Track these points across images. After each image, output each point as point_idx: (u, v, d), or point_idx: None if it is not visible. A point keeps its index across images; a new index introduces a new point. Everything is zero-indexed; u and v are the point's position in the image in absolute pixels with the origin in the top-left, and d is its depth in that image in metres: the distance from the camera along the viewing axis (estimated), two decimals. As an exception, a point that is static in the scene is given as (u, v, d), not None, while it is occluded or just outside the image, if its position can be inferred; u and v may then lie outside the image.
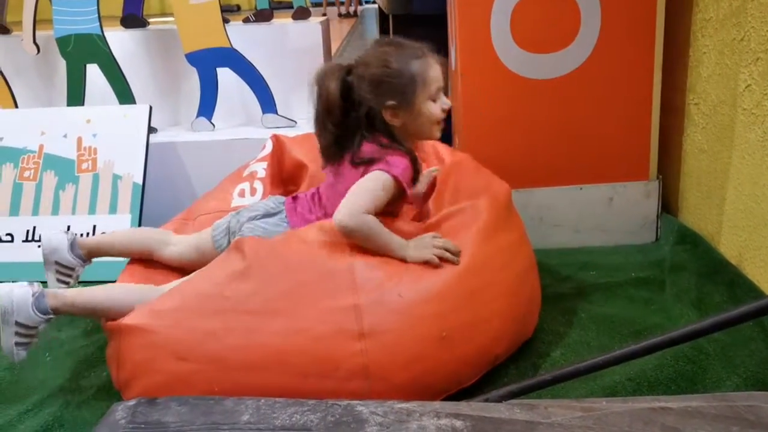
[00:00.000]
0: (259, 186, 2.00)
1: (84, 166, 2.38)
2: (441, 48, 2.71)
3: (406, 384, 1.36)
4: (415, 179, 1.57)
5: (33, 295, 1.45)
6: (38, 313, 1.44)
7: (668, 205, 2.26)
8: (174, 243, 1.73)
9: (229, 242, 1.63)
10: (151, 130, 2.44)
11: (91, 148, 2.40)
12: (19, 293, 1.44)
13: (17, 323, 1.43)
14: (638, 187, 2.17)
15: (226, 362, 1.35)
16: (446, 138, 2.29)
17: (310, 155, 2.03)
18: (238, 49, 2.66)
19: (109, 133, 2.42)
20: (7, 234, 2.31)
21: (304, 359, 1.33)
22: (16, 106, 2.74)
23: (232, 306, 1.39)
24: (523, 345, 1.62)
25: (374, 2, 15.53)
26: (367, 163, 1.50)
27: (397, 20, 3.07)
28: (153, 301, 1.43)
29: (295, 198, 1.70)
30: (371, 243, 1.45)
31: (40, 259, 2.24)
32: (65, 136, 2.42)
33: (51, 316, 1.46)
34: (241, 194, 1.98)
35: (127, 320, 1.42)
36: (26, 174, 2.38)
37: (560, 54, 2.07)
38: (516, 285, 1.59)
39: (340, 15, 12.29)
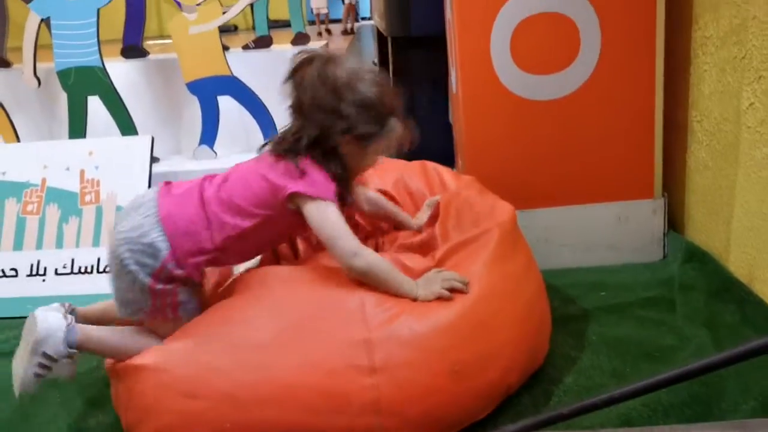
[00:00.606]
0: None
1: (87, 198, 2.38)
2: (440, 70, 2.75)
3: (419, 418, 1.34)
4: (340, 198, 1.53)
5: (66, 327, 1.43)
6: (67, 347, 1.43)
7: (675, 222, 2.25)
8: None
9: (124, 266, 1.46)
10: (153, 159, 2.44)
11: (93, 180, 2.40)
12: (54, 323, 1.43)
13: (44, 354, 1.41)
14: (644, 205, 2.17)
15: (237, 399, 1.33)
16: (449, 160, 2.30)
17: None
18: (239, 76, 2.67)
19: (112, 164, 2.42)
20: (12, 269, 2.30)
21: (315, 395, 1.32)
22: (18, 140, 2.75)
23: (242, 341, 1.38)
24: (535, 371, 1.61)
25: (371, 19, 15.67)
26: (298, 169, 1.44)
27: (396, 42, 3.07)
28: (166, 339, 1.42)
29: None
30: (382, 281, 1.43)
31: (45, 293, 2.25)
32: (68, 168, 2.42)
33: (75, 351, 1.45)
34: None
35: (134, 360, 1.41)
36: (29, 208, 2.38)
37: (561, 75, 2.07)
38: (526, 312, 1.57)
39: (343, 32, 12.36)
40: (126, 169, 2.41)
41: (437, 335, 1.38)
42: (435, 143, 3.00)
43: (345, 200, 1.53)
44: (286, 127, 1.52)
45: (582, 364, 1.65)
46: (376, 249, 1.93)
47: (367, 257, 1.43)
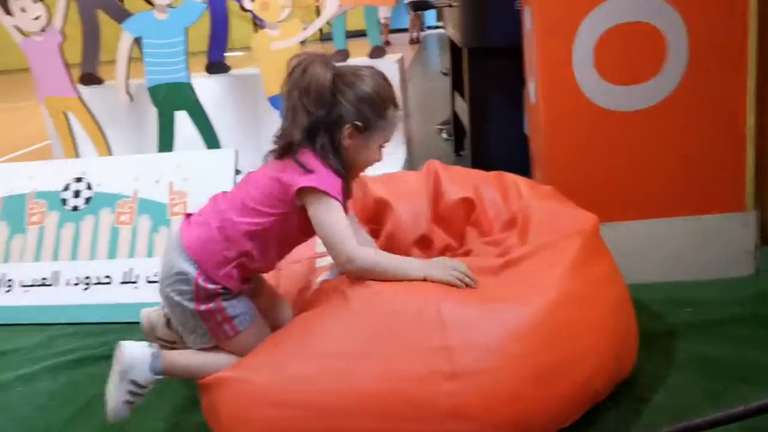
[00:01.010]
0: None
1: (176, 209, 2.48)
2: (516, 81, 2.74)
3: (504, 425, 1.34)
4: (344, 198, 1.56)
5: (151, 355, 1.52)
6: (153, 373, 1.52)
7: (766, 235, 2.17)
8: None
9: (171, 301, 1.55)
10: (236, 172, 2.52)
11: (181, 192, 2.50)
12: (140, 352, 1.52)
13: (132, 381, 1.50)
14: (734, 219, 2.09)
15: (322, 407, 1.37)
16: (524, 172, 2.28)
17: (393, 193, 2.04)
18: (318, 90, 2.72)
19: (198, 177, 2.51)
20: (106, 276, 2.42)
21: (398, 401, 1.33)
22: (111, 153, 2.89)
23: (323, 350, 1.41)
24: (622, 388, 1.57)
25: (437, 28, 15.70)
26: (308, 171, 1.47)
27: (471, 53, 3.08)
28: (253, 351, 1.47)
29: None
30: (390, 275, 1.48)
31: (137, 299, 2.35)
32: (157, 181, 2.52)
33: (161, 377, 1.54)
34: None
35: (222, 373, 1.47)
36: (122, 218, 2.49)
37: (646, 85, 2.03)
38: (610, 319, 1.55)
39: (411, 41, 12.42)
40: (211, 181, 2.49)
41: (518, 340, 1.38)
42: (510, 154, 3.00)
43: (346, 198, 1.56)
44: (281, 128, 1.54)
45: (672, 382, 1.61)
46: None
47: (362, 261, 1.47)
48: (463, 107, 3.62)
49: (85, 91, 2.93)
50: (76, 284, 2.41)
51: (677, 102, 2.03)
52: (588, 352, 1.45)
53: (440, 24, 15.24)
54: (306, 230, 1.54)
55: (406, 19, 13.33)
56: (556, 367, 1.39)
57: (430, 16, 15.54)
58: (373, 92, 1.50)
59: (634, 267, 2.13)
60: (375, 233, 2.02)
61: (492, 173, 2.05)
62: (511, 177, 2.01)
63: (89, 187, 2.52)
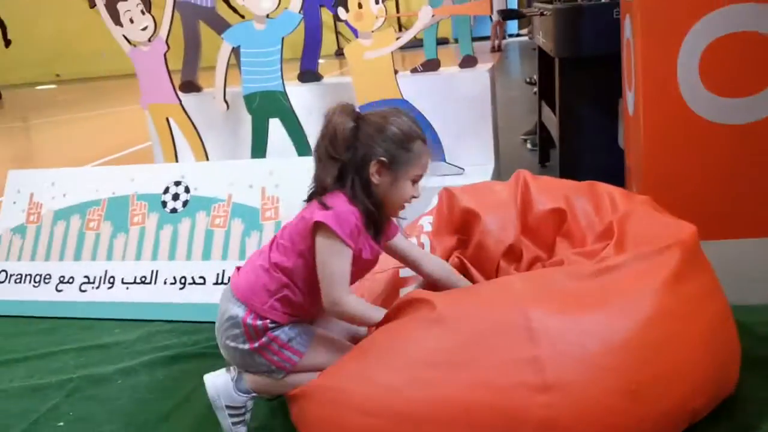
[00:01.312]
0: (425, 240, 2.02)
1: (267, 214, 2.54)
2: (610, 91, 2.67)
3: (596, 439, 1.30)
4: (376, 235, 1.60)
5: (232, 380, 1.61)
6: (240, 393, 1.61)
7: None
8: None
9: (228, 348, 1.63)
10: (327, 179, 2.56)
11: (273, 197, 2.56)
12: (221, 380, 1.62)
13: (227, 406, 1.60)
14: None
15: (411, 417, 1.36)
16: (617, 184, 2.21)
17: (481, 204, 2.02)
18: (407, 99, 2.74)
19: (290, 183, 2.56)
20: (200, 277, 2.50)
21: (488, 413, 1.32)
22: (207, 158, 2.99)
23: (413, 360, 1.41)
24: (726, 414, 1.50)
25: (518, 36, 15.51)
26: (327, 208, 1.52)
27: (564, 62, 3.02)
28: (336, 362, 1.49)
29: (239, 267, 1.72)
30: (358, 322, 1.58)
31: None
32: (251, 186, 2.59)
33: (253, 394, 1.62)
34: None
35: (312, 382, 1.50)
36: (217, 221, 2.58)
37: (756, 97, 1.94)
38: (709, 334, 1.48)
39: (492, 50, 12.34)
40: (302, 187, 2.52)
41: (611, 354, 1.34)
42: (601, 167, 2.93)
43: (378, 235, 1.60)
44: (313, 177, 1.60)
45: (782, 411, 1.52)
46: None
47: (345, 307, 1.53)
48: (551, 117, 3.56)
49: (185, 98, 3.05)
50: (173, 283, 2.51)
51: (790, 115, 1.92)
52: (686, 369, 1.39)
53: (522, 32, 15.07)
54: None
55: (486, 28, 13.24)
56: (653, 383, 1.34)
57: (511, 23, 15.37)
58: (396, 128, 1.54)
59: (737, 287, 2.02)
60: (463, 244, 2.01)
61: (584, 183, 2.01)
62: (603, 187, 1.95)
63: (187, 191, 2.62)
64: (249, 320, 1.58)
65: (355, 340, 1.73)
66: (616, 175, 2.52)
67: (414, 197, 1.61)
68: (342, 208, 1.52)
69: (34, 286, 2.65)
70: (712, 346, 1.48)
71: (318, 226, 1.52)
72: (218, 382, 1.62)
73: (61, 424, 1.85)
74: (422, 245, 2.01)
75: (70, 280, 2.62)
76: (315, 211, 1.54)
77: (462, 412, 1.33)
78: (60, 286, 2.62)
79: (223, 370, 1.64)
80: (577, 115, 3.06)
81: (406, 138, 1.55)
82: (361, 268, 1.62)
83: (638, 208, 1.79)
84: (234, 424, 1.62)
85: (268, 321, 1.57)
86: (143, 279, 2.54)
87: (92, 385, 2.03)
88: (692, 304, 1.48)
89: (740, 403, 1.55)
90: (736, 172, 2.00)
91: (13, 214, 2.79)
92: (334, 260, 1.52)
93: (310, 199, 1.60)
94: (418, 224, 2.07)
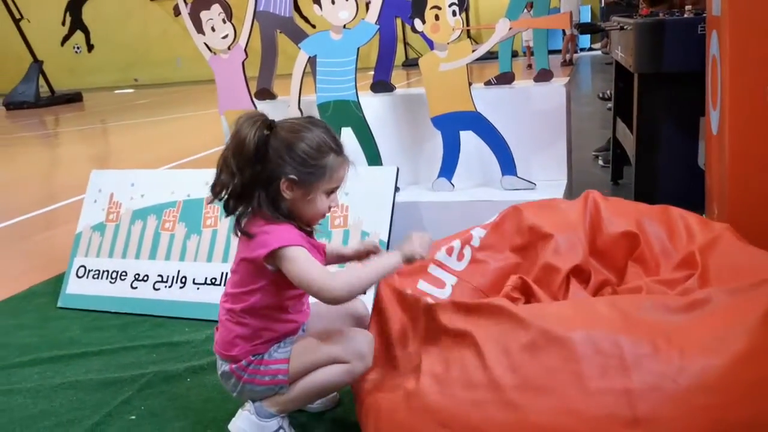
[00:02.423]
0: (467, 252, 1.98)
1: (336, 222, 2.56)
2: (691, 109, 2.58)
3: (684, 481, 1.25)
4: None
5: (253, 413, 1.62)
6: (266, 420, 1.62)
7: None
8: None
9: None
10: (396, 189, 2.56)
11: (343, 205, 2.57)
12: (244, 422, 1.63)
13: None
14: None
15: (491, 436, 1.34)
16: (695, 206, 2.13)
17: (548, 222, 1.95)
18: (481, 111, 2.72)
19: (360, 192, 2.57)
20: (269, 281, 2.54)
21: (572, 442, 1.28)
22: (279, 164, 3.04)
23: (499, 379, 1.38)
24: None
25: (591, 50, 15.23)
26: (251, 237, 1.52)
27: (643, 78, 2.94)
28: (422, 367, 1.47)
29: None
30: (368, 286, 1.53)
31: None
32: (321, 193, 2.62)
33: (277, 412, 1.62)
34: (449, 252, 1.97)
35: (390, 381, 1.48)
36: (287, 227, 2.62)
37: None
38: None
39: (563, 63, 12.18)
40: (372, 197, 2.55)
41: (704, 391, 1.29)
42: (679, 187, 2.85)
43: (311, 236, 1.60)
44: (216, 184, 1.55)
45: None
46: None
47: (337, 288, 1.49)
48: (626, 134, 3.47)
49: (260, 105, 3.11)
50: (242, 286, 2.56)
51: None
52: None
53: (595, 46, 14.80)
54: (293, 286, 1.58)
55: (557, 41, 13.06)
56: (744, 425, 1.28)
57: (583, 37, 15.11)
58: (307, 144, 1.51)
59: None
60: (530, 259, 1.95)
61: (657, 207, 1.94)
62: (678, 212, 1.88)
63: (259, 196, 2.66)
64: (234, 367, 1.63)
65: (357, 320, 1.77)
66: (694, 196, 2.44)
67: (332, 207, 1.60)
68: (271, 231, 1.52)
69: (110, 282, 2.75)
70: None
71: (270, 256, 1.51)
72: (242, 424, 1.63)
73: (133, 417, 1.90)
74: (462, 256, 1.97)
75: (145, 278, 2.70)
76: (252, 247, 1.53)
77: (542, 437, 1.30)
78: (135, 284, 2.71)
79: (239, 411, 1.66)
80: (655, 132, 2.97)
81: (317, 154, 1.51)
82: None
83: (720, 238, 1.72)
84: None
85: (251, 357, 1.62)
86: (213, 280, 2.60)
87: (163, 382, 2.09)
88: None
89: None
90: (830, 198, 1.90)
91: (94, 212, 2.91)
92: (304, 266, 1.51)
93: (228, 213, 1.57)
94: (468, 233, 2.02)
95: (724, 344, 1.34)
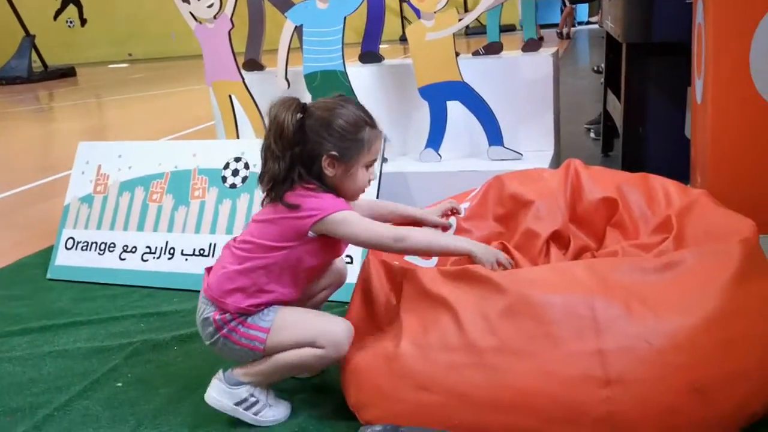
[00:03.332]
0: (453, 221, 1.98)
1: (323, 192, 2.57)
2: (679, 79, 2.58)
3: (657, 437, 1.28)
4: None
5: (221, 381, 1.64)
6: (233, 387, 1.63)
7: None
8: None
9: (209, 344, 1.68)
10: (383, 159, 2.57)
11: (330, 175, 2.59)
12: (215, 390, 1.65)
13: (234, 405, 1.63)
14: None
15: (468, 398, 1.37)
16: (681, 175, 2.14)
17: (530, 190, 1.96)
18: (468, 82, 2.72)
19: (347, 162, 2.59)
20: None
21: (549, 403, 1.31)
22: (267, 136, 3.04)
23: (477, 342, 1.41)
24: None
25: (588, 23, 15.11)
26: (295, 209, 1.54)
27: (632, 48, 2.93)
28: (402, 332, 1.49)
29: (209, 267, 1.72)
30: (435, 253, 1.69)
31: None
32: (309, 164, 2.63)
33: (247, 382, 1.63)
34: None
35: (373, 348, 1.50)
36: (274, 198, 2.62)
37: (835, 87, 1.85)
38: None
39: (560, 37, 12.11)
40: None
41: (676, 350, 1.32)
42: (666, 157, 2.85)
43: None
44: (261, 172, 1.60)
45: None
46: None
47: (409, 239, 1.57)
48: (616, 106, 3.47)
49: (248, 76, 3.10)
50: (229, 256, 2.57)
51: None
52: (749, 370, 1.36)
53: (592, 20, 14.68)
54: (318, 256, 1.63)
55: (555, 14, 12.95)
56: (716, 383, 1.32)
57: (582, 11, 14.99)
58: (343, 120, 1.55)
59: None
60: (512, 227, 1.96)
61: (637, 174, 1.95)
62: (657, 179, 1.90)
63: (246, 167, 2.67)
64: (218, 317, 1.62)
65: (337, 275, 1.82)
66: (680, 166, 2.45)
67: (371, 180, 1.64)
68: (322, 194, 1.57)
69: (99, 253, 2.77)
70: (775, 346, 1.43)
71: (320, 222, 1.54)
72: (214, 393, 1.65)
73: (120, 384, 1.93)
74: (449, 226, 1.99)
75: (133, 250, 2.72)
76: (300, 212, 1.55)
77: (522, 399, 1.34)
78: (123, 255, 2.73)
79: (212, 379, 1.67)
80: (643, 103, 2.97)
81: (354, 128, 1.56)
82: (341, 248, 1.70)
83: (697, 202, 1.74)
84: (255, 413, 1.64)
85: (235, 314, 1.61)
86: (202, 251, 2.61)
87: (150, 350, 2.11)
88: (757, 303, 1.44)
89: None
90: (809, 165, 1.91)
91: (82, 183, 2.91)
92: (365, 225, 1.57)
93: (272, 198, 1.59)
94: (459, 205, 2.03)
95: (695, 305, 1.37)
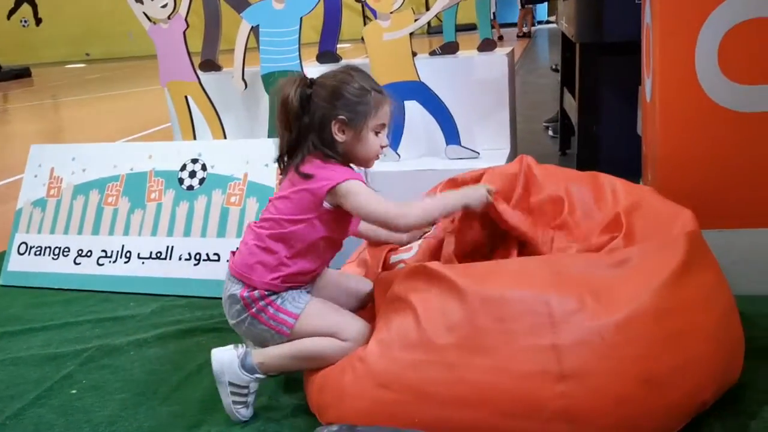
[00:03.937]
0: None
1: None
2: (631, 78, 2.64)
3: (611, 428, 1.32)
4: None
5: (239, 357, 1.62)
6: (245, 373, 1.61)
7: None
8: None
9: (235, 323, 1.69)
10: (342, 160, 2.57)
11: (288, 176, 2.58)
12: (227, 356, 1.63)
13: (230, 383, 1.61)
14: None
15: (428, 395, 1.39)
16: (634, 173, 2.19)
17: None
18: (425, 81, 2.73)
19: (305, 162, 2.58)
20: (215, 253, 2.54)
21: (506, 398, 1.33)
22: (225, 137, 3.02)
23: (434, 339, 1.42)
24: (731, 402, 1.50)
25: (548, 23, 15.33)
26: (310, 178, 1.58)
27: (585, 48, 2.99)
28: (373, 334, 1.51)
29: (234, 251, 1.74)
30: (440, 215, 1.65)
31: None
32: (266, 165, 2.60)
33: (259, 375, 1.62)
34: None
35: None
36: (232, 199, 2.60)
37: (776, 85, 1.91)
38: (719, 326, 1.49)
39: (518, 35, 12.25)
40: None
41: (629, 344, 1.35)
42: (620, 155, 2.90)
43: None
44: (278, 148, 1.66)
45: (786, 401, 1.51)
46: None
47: (412, 214, 1.59)
48: (572, 104, 3.53)
49: (204, 76, 3.07)
50: (187, 259, 2.55)
51: (810, 104, 1.89)
52: (697, 360, 1.40)
53: (551, 19, 14.90)
54: (334, 229, 1.64)
55: (516, 14, 13.11)
56: (666, 373, 1.35)
57: (541, 10, 15.20)
58: (347, 84, 1.59)
59: (751, 278, 2.01)
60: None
61: (586, 173, 1.99)
62: (606, 178, 1.93)
63: (204, 169, 2.65)
64: (246, 294, 1.63)
65: (361, 301, 1.79)
66: (634, 163, 2.50)
67: (383, 146, 1.65)
68: (329, 168, 1.59)
69: (53, 258, 2.71)
70: (720, 337, 1.48)
71: (333, 190, 1.57)
72: (224, 357, 1.63)
73: (74, 391, 1.90)
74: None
75: (88, 254, 2.67)
76: (313, 181, 1.58)
77: (479, 395, 1.35)
78: (78, 260, 2.68)
79: (232, 346, 1.65)
80: (597, 101, 3.03)
81: (361, 92, 1.59)
82: (354, 222, 1.72)
83: (643, 199, 1.78)
84: (235, 403, 1.62)
85: (264, 291, 1.62)
86: (159, 254, 2.58)
87: (106, 356, 2.08)
88: (703, 297, 1.49)
89: (745, 390, 1.55)
90: (751, 162, 1.97)
91: (34, 187, 2.85)
92: (373, 198, 1.58)
93: (284, 169, 1.65)
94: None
95: (643, 299, 1.40)
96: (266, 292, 1.62)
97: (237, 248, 1.73)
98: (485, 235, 1.92)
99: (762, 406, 1.51)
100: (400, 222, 1.59)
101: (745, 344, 1.58)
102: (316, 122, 1.58)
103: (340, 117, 1.58)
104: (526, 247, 1.94)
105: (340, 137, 1.59)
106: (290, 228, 1.61)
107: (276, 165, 1.70)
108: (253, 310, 1.63)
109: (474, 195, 1.69)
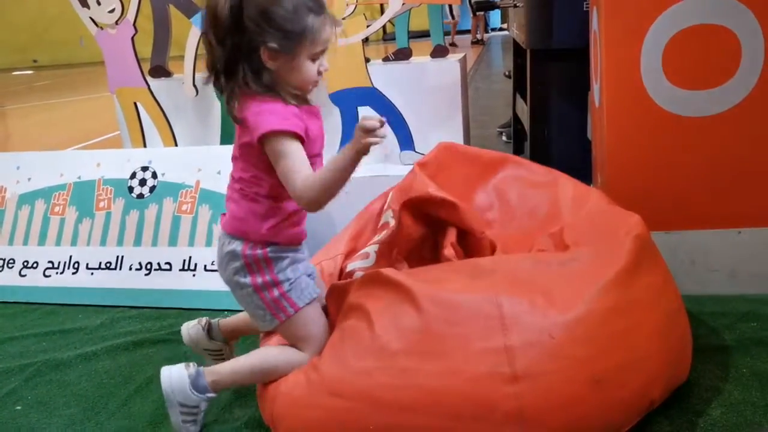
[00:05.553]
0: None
1: (235, 200, 2.53)
2: (580, 84, 2.69)
3: (562, 429, 1.33)
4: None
5: (189, 377, 1.54)
6: (196, 393, 1.54)
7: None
8: None
9: (231, 283, 1.58)
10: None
11: (241, 183, 2.55)
12: (177, 376, 1.55)
13: (180, 404, 1.54)
14: (806, 232, 2.00)
15: (380, 401, 1.37)
16: (585, 176, 2.23)
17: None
18: (378, 87, 2.73)
19: (258, 169, 2.55)
20: (166, 263, 2.49)
21: (458, 401, 1.33)
22: (176, 144, 2.97)
23: (388, 346, 1.41)
24: (677, 399, 1.53)
25: (501, 30, 15.56)
26: (241, 122, 1.44)
27: (535, 54, 3.03)
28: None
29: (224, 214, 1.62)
30: (339, 189, 1.41)
31: (195, 287, 2.40)
32: (219, 172, 2.57)
33: (210, 394, 1.56)
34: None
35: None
36: (184, 207, 2.56)
37: (718, 90, 1.97)
38: (667, 325, 1.52)
39: (472, 42, 12.39)
40: (271, 174, 2.53)
41: (578, 344, 1.36)
42: (571, 159, 2.94)
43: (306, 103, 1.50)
44: (207, 62, 1.47)
45: (731, 398, 1.55)
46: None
47: (309, 196, 1.40)
48: (524, 109, 3.58)
49: (154, 83, 3.01)
50: (138, 269, 2.49)
51: (750, 108, 1.95)
52: (645, 359, 1.43)
53: (504, 26, 15.13)
54: None
55: (469, 21, 13.27)
56: (614, 372, 1.37)
57: (494, 17, 15.42)
58: (282, 8, 1.39)
59: (697, 278, 2.07)
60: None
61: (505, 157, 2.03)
62: (555, 179, 1.98)
63: (154, 176, 2.60)
64: (248, 251, 1.51)
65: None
66: (584, 167, 2.54)
67: (321, 72, 1.47)
68: (262, 108, 1.41)
69: (-4, 270, 2.62)
70: (668, 336, 1.51)
71: (261, 139, 1.41)
72: (174, 377, 1.55)
73: (19, 407, 1.83)
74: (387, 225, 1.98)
75: (34, 265, 2.59)
76: (247, 131, 1.44)
77: (432, 400, 1.35)
78: (24, 271, 2.60)
79: (183, 364, 1.57)
80: (547, 106, 3.07)
81: (295, 17, 1.39)
82: (316, 144, 1.52)
83: (591, 202, 1.82)
84: (184, 422, 1.56)
85: (267, 249, 1.51)
86: (108, 264, 2.52)
87: (53, 370, 2.02)
88: (651, 297, 1.52)
89: (690, 388, 1.58)
90: (696, 164, 2.02)
91: (-23, 197, 2.76)
92: (279, 157, 1.41)
93: (222, 91, 1.47)
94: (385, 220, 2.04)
95: (591, 299, 1.42)
96: (268, 250, 1.51)
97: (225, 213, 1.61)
98: (426, 227, 1.91)
99: (708, 403, 1.54)
100: (303, 203, 1.43)
101: (693, 343, 1.62)
102: (245, 45, 1.39)
103: (270, 44, 1.39)
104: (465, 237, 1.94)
105: (269, 64, 1.41)
106: (258, 184, 1.49)
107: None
108: (259, 281, 1.52)
109: (359, 139, 1.40)
